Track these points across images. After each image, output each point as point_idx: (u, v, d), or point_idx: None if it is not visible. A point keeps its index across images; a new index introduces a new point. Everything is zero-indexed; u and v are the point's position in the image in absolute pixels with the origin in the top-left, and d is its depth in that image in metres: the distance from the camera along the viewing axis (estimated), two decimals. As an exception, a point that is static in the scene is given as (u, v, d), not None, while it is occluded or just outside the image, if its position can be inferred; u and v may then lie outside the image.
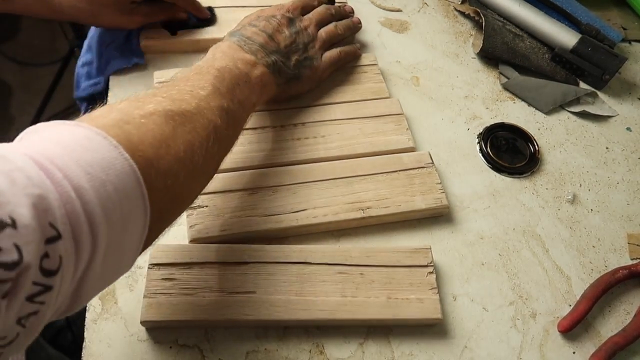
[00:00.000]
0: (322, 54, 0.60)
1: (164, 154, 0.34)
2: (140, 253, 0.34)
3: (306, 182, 0.52)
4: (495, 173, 0.59)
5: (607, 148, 0.63)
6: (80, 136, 0.29)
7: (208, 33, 0.64)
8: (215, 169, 0.43)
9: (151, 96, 0.37)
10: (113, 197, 0.29)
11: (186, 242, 0.49)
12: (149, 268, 0.46)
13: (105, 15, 0.59)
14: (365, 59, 0.64)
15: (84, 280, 0.28)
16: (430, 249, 0.49)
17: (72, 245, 0.26)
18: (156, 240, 0.37)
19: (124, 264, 0.33)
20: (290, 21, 0.57)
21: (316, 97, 0.60)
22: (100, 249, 0.28)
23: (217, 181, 0.51)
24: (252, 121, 0.56)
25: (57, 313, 0.29)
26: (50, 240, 0.25)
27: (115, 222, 0.29)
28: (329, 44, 0.61)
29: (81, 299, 0.29)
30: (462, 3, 0.75)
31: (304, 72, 0.57)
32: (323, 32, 0.61)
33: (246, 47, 0.51)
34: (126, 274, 0.47)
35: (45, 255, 0.25)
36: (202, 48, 0.60)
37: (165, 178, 0.33)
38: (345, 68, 0.63)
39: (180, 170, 0.35)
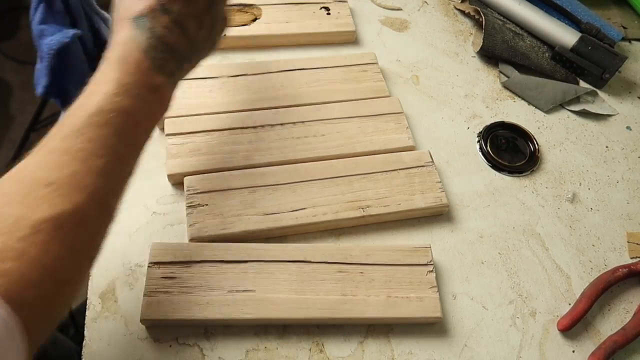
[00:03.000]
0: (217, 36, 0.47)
1: (48, 287, 0.30)
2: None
3: (306, 181, 0.52)
4: (495, 172, 0.59)
5: (607, 147, 0.63)
6: None
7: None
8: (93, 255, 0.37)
9: (43, 186, 0.32)
10: None
11: (186, 240, 0.49)
12: (148, 267, 0.46)
13: None
14: (366, 57, 0.64)
15: None
16: (430, 247, 0.49)
17: None
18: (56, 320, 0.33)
19: None
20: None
21: (316, 96, 0.60)
22: None
23: (217, 180, 0.51)
24: (252, 119, 0.56)
25: None
26: None
27: None
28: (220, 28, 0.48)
29: None
30: (462, 2, 0.75)
31: (206, 46, 0.45)
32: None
33: (157, 62, 0.39)
34: (126, 273, 0.47)
35: None
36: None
37: (42, 304, 0.30)
38: (346, 66, 0.63)
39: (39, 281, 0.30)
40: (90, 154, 0.34)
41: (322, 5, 0.69)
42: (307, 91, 0.60)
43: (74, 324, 0.84)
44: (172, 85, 0.42)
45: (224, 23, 0.47)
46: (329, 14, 0.68)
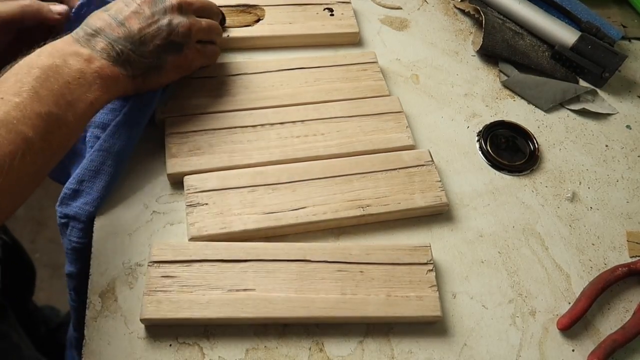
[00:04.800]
0: (194, 42, 0.52)
1: None
2: None
3: (305, 180, 0.52)
4: (494, 171, 0.59)
5: (606, 146, 0.63)
6: None
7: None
8: (34, 182, 0.39)
9: None
10: None
11: (186, 240, 0.49)
12: (148, 266, 0.46)
13: None
14: (365, 56, 0.64)
15: None
16: (429, 246, 0.49)
17: None
18: None
19: None
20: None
21: (316, 95, 0.60)
22: None
23: (217, 179, 0.51)
24: (251, 118, 0.56)
25: None
26: None
27: None
28: (206, 35, 0.54)
29: None
30: (462, 1, 0.75)
31: (167, 58, 0.50)
32: (204, 21, 0.54)
33: (83, 39, 0.45)
34: (126, 272, 0.47)
35: None
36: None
37: None
38: (345, 65, 0.63)
39: None
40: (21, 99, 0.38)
41: (325, 6, 0.68)
42: (307, 90, 0.60)
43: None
44: (105, 61, 0.45)
45: (192, 36, 0.51)
46: (332, 15, 0.68)
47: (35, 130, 0.37)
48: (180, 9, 0.50)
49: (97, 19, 0.47)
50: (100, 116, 0.52)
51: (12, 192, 0.37)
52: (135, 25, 0.47)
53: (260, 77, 0.60)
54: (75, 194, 0.51)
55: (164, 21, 0.49)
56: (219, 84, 0.59)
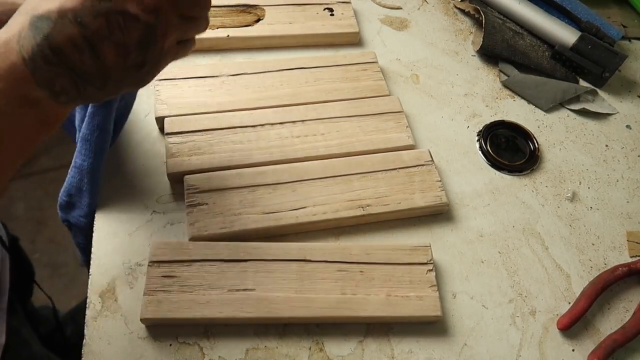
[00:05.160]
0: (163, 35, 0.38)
1: None
2: None
3: (306, 180, 0.52)
4: (495, 171, 0.59)
5: (606, 146, 0.63)
6: None
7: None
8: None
9: None
10: None
11: (186, 239, 0.49)
12: (148, 265, 0.46)
13: None
14: (365, 56, 0.64)
15: None
16: (430, 246, 0.49)
17: None
18: None
19: None
20: None
21: (316, 95, 0.60)
22: None
23: (217, 179, 0.51)
24: (251, 118, 0.56)
25: None
26: None
27: None
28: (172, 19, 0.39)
29: None
30: (462, 1, 0.75)
31: (128, 79, 0.37)
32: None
33: (40, 74, 0.33)
34: (126, 272, 0.47)
35: None
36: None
37: None
38: (345, 65, 0.63)
39: None
40: None
41: (325, 6, 0.69)
42: (307, 90, 0.60)
43: (62, 333, 0.84)
44: (61, 104, 0.35)
45: (163, 62, 0.39)
46: (332, 15, 0.68)
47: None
48: None
49: (63, 37, 0.32)
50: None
51: None
52: (114, 60, 0.35)
53: (261, 77, 0.60)
54: (68, 205, 0.51)
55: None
56: (219, 83, 0.59)
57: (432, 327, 0.47)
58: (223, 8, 0.66)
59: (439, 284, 0.48)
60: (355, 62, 0.63)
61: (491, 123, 0.62)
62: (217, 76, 0.60)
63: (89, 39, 0.33)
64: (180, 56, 0.41)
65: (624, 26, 0.77)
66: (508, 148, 0.60)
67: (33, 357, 0.70)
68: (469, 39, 0.72)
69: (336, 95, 0.60)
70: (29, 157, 0.35)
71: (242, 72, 0.60)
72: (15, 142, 0.34)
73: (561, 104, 0.66)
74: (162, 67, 0.39)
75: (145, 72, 0.37)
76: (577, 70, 0.68)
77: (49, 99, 0.34)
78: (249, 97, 0.59)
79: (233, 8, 0.67)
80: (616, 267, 0.51)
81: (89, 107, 0.49)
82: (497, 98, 0.66)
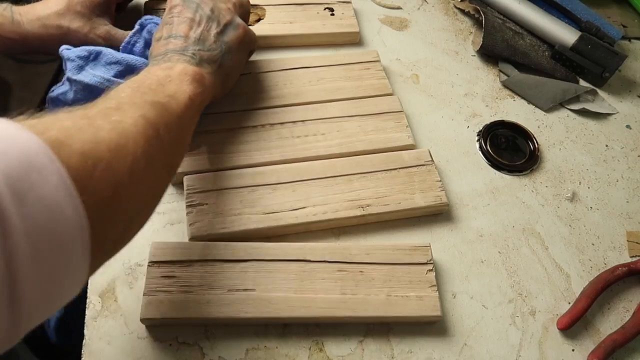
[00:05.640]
0: (239, 18, 0.55)
1: (78, 137, 0.30)
2: (97, 260, 0.30)
3: (306, 180, 0.52)
4: (494, 171, 0.59)
5: (606, 146, 0.63)
6: None
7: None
8: (160, 164, 0.39)
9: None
10: (18, 169, 0.25)
11: (186, 239, 0.49)
12: (148, 266, 0.46)
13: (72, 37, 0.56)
14: (368, 55, 0.64)
15: (13, 278, 0.25)
16: (429, 246, 0.49)
17: None
18: (118, 242, 0.34)
19: (67, 257, 0.28)
20: (184, 2, 0.53)
21: (319, 94, 0.60)
22: (14, 230, 0.24)
23: (217, 179, 0.51)
24: (251, 118, 0.56)
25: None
26: None
27: (27, 198, 0.25)
28: (240, 9, 0.57)
29: (22, 306, 0.26)
30: (462, 1, 0.75)
31: (230, 38, 0.52)
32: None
33: (155, 60, 0.48)
34: (126, 272, 0.47)
35: None
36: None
37: (84, 158, 0.30)
38: (348, 64, 0.63)
39: (103, 153, 0.31)
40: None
41: (326, 6, 0.69)
42: (309, 89, 0.60)
43: (75, 323, 0.84)
44: (184, 64, 0.47)
45: (232, 12, 0.54)
46: (332, 14, 0.68)
47: (149, 112, 0.38)
48: None
49: (156, 48, 0.50)
50: None
51: (146, 171, 0.36)
52: (187, 31, 0.51)
53: (263, 76, 0.60)
54: None
55: (206, 13, 0.52)
56: None
57: (432, 327, 0.47)
58: None
59: (438, 284, 0.48)
60: (358, 61, 0.63)
61: (491, 123, 0.62)
62: None
63: (198, 32, 0.51)
64: (252, 39, 0.57)
65: (624, 26, 0.77)
66: (508, 148, 0.60)
67: None
68: (469, 39, 0.72)
69: (339, 95, 0.60)
70: None
71: (245, 71, 0.60)
72: (172, 86, 0.44)
73: (561, 104, 0.66)
74: (240, 51, 0.54)
75: (224, 40, 0.53)
76: (577, 70, 0.68)
77: (174, 58, 0.48)
78: (250, 97, 0.59)
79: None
80: (616, 267, 0.51)
81: None
82: (497, 98, 0.66)
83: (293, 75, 0.61)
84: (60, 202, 0.27)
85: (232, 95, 0.58)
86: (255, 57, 0.64)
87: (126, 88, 0.41)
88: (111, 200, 0.32)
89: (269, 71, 0.61)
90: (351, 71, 0.62)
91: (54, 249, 0.27)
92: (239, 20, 0.54)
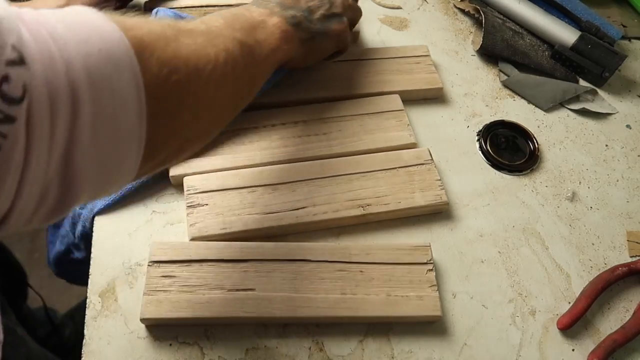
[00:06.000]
0: (347, 18, 0.58)
1: (162, 46, 0.32)
2: (144, 158, 0.31)
3: (305, 180, 0.52)
4: (494, 171, 0.59)
5: (606, 145, 0.63)
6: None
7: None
8: (228, 100, 0.41)
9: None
10: (97, 58, 0.27)
11: (186, 239, 0.49)
12: (148, 265, 0.46)
13: None
14: (418, 49, 0.65)
15: (70, 155, 0.27)
16: (429, 246, 0.49)
17: (44, 87, 0.24)
18: (167, 157, 0.35)
19: (123, 153, 0.30)
20: None
21: (370, 86, 0.60)
22: (83, 113, 0.26)
23: (217, 179, 0.51)
24: (253, 119, 0.56)
25: (46, 204, 0.27)
26: (11, 63, 0.23)
27: (101, 87, 0.27)
28: (353, 14, 0.60)
29: (73, 183, 0.28)
30: (461, 0, 0.75)
31: (331, 26, 0.54)
32: (351, 1, 0.59)
33: (259, 2, 0.50)
34: (126, 272, 0.47)
35: (5, 79, 0.23)
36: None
37: (161, 66, 0.31)
38: (398, 58, 0.63)
39: (180, 67, 0.33)
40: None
41: None
42: (360, 81, 0.61)
43: (58, 334, 0.84)
44: (282, 19, 0.49)
45: (345, 10, 0.56)
46: None
47: (234, 48, 0.39)
48: None
49: None
50: None
51: (216, 96, 0.38)
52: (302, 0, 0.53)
53: (309, 72, 0.61)
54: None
55: None
56: None
57: (432, 326, 0.47)
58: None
59: (438, 284, 0.48)
60: (410, 55, 0.64)
61: (491, 123, 0.62)
62: None
63: (309, 3, 0.53)
64: (346, 41, 0.57)
65: (624, 26, 0.76)
66: (508, 148, 0.60)
67: (31, 353, 0.70)
68: (469, 39, 0.72)
69: (390, 87, 0.61)
70: None
71: None
72: (258, 33, 0.46)
73: (561, 104, 0.66)
74: (333, 42, 0.56)
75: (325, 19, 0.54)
76: (577, 70, 0.68)
77: (263, 13, 0.48)
78: (305, 87, 0.60)
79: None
80: (616, 267, 0.51)
81: None
82: (497, 98, 0.65)
83: (347, 68, 0.62)
84: (128, 101, 0.28)
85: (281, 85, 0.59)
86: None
87: (220, 18, 0.42)
88: (173, 115, 0.33)
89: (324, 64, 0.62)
90: (401, 65, 0.63)
91: (112, 139, 0.28)
92: (345, 18, 0.56)
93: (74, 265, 0.59)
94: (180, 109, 0.34)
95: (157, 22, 0.34)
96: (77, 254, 0.58)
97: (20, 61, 0.23)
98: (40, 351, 0.74)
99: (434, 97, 0.63)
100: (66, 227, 0.59)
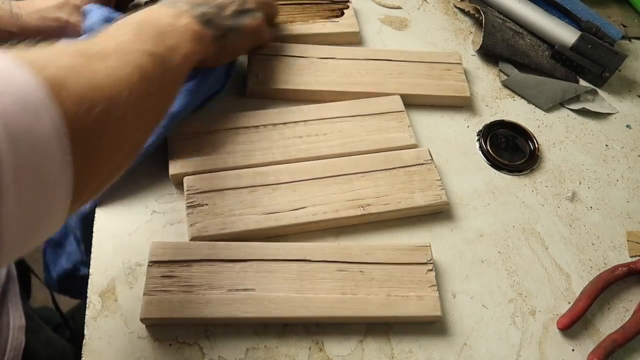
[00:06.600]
0: (263, 13, 0.57)
1: (76, 81, 0.31)
2: (74, 198, 0.31)
3: (305, 180, 0.52)
4: (494, 170, 0.59)
5: (606, 145, 0.63)
6: None
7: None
8: (150, 116, 0.40)
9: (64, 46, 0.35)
10: (14, 110, 0.26)
11: (186, 240, 0.49)
12: (148, 266, 0.46)
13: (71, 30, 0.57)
14: (451, 57, 0.64)
15: None
16: (429, 246, 0.49)
17: None
18: (98, 187, 0.35)
19: (50, 201, 0.29)
20: None
21: (398, 87, 0.61)
22: (4, 169, 0.25)
23: (217, 179, 0.51)
24: (253, 119, 0.56)
25: None
26: None
27: (21, 140, 0.26)
28: (269, 9, 0.59)
29: (1, 246, 0.27)
30: (461, 0, 0.75)
31: (244, 22, 0.54)
32: None
33: (168, 3, 0.48)
34: (126, 272, 0.47)
35: None
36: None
37: (80, 103, 0.30)
38: (430, 63, 0.63)
39: (98, 99, 0.32)
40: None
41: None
42: (390, 81, 0.61)
43: (68, 325, 0.84)
44: (191, 19, 0.48)
45: (259, 6, 0.56)
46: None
47: (146, 63, 0.38)
48: None
49: None
50: None
51: (136, 118, 0.37)
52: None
53: (348, 63, 0.62)
54: None
55: None
56: (309, 64, 0.61)
57: (432, 327, 0.47)
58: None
59: (438, 284, 0.48)
60: (441, 61, 0.64)
61: (491, 123, 0.62)
62: (306, 57, 0.62)
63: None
64: (263, 37, 0.57)
65: (624, 26, 0.76)
66: (508, 148, 0.60)
67: (49, 339, 0.71)
68: (469, 39, 0.72)
69: (417, 90, 0.61)
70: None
71: (331, 56, 0.63)
72: (167, 34, 0.44)
73: (561, 104, 0.66)
74: (247, 38, 0.55)
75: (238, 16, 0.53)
76: (577, 70, 0.68)
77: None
78: (334, 80, 0.60)
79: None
80: (616, 267, 0.51)
81: None
82: (497, 98, 0.65)
83: (375, 66, 0.62)
84: (51, 146, 0.28)
85: (317, 77, 0.60)
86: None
87: (128, 31, 0.41)
88: (98, 148, 0.32)
89: (356, 59, 0.63)
90: (433, 69, 0.63)
91: (38, 190, 0.28)
92: (260, 14, 0.56)
93: (80, 281, 0.59)
94: (103, 142, 0.33)
95: (65, 52, 0.33)
96: (85, 270, 0.58)
97: None
98: (56, 337, 0.74)
99: (460, 105, 0.63)
100: (73, 245, 0.59)
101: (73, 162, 0.29)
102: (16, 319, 0.57)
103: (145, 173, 0.54)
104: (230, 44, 0.53)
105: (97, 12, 0.55)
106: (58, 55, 0.32)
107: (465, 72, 0.64)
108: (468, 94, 0.62)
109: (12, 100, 0.26)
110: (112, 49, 0.37)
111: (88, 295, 0.47)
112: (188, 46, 0.46)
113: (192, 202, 0.50)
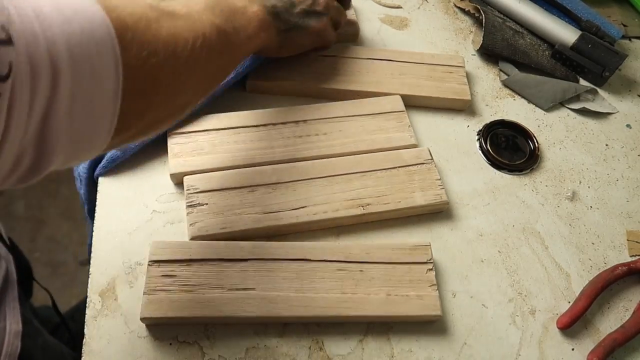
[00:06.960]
0: (328, 17, 0.59)
1: (143, 28, 0.33)
2: (116, 133, 0.33)
3: (305, 180, 0.52)
4: (494, 170, 0.59)
5: (606, 145, 0.63)
6: None
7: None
8: (201, 84, 0.43)
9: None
10: (80, 37, 0.28)
11: (186, 239, 0.49)
12: (148, 265, 0.46)
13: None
14: (454, 59, 0.64)
15: (47, 124, 0.28)
16: (429, 245, 0.49)
17: (27, 64, 0.26)
18: (136, 133, 0.37)
19: (96, 126, 0.32)
20: None
21: (399, 87, 0.61)
22: (62, 87, 0.28)
23: (217, 179, 0.51)
24: (253, 118, 0.56)
25: (21, 167, 0.29)
26: (0, 43, 0.24)
27: (81, 64, 0.29)
28: (337, 14, 0.60)
29: (47, 150, 0.29)
30: (462, 0, 0.75)
31: (310, 22, 0.56)
32: (336, 3, 0.61)
33: None
34: (126, 271, 0.47)
35: None
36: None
37: (141, 48, 0.33)
38: (432, 65, 0.63)
39: (159, 50, 0.34)
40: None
41: None
42: (391, 81, 0.61)
43: (67, 326, 0.84)
44: (262, 7, 0.50)
45: (327, 9, 0.57)
46: None
47: (211, 34, 0.41)
48: None
49: None
50: None
51: (190, 78, 0.40)
52: None
53: (349, 61, 0.62)
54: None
55: None
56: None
57: (432, 326, 0.47)
58: None
59: (438, 283, 0.48)
60: (444, 63, 0.64)
61: (491, 122, 0.62)
62: (307, 54, 0.62)
63: None
64: (326, 40, 0.59)
65: (624, 25, 0.76)
66: (508, 147, 0.60)
67: (46, 344, 0.71)
68: (469, 38, 0.72)
69: (417, 91, 0.61)
70: None
71: (332, 54, 0.63)
72: (236, 18, 0.47)
73: (561, 103, 0.66)
74: (310, 37, 0.57)
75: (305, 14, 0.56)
76: (577, 70, 0.68)
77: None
78: (335, 78, 0.61)
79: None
80: (616, 267, 0.51)
81: None
82: (497, 97, 0.65)
83: (377, 66, 0.62)
84: (106, 79, 0.30)
85: (322, 74, 0.61)
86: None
87: (203, 1, 0.43)
88: (146, 96, 0.35)
89: (357, 58, 0.63)
90: (434, 72, 0.63)
91: (87, 113, 0.30)
92: (326, 18, 0.58)
93: None
94: (154, 91, 0.36)
95: (141, 2, 0.35)
96: None
97: (8, 41, 0.25)
98: (54, 342, 0.74)
99: (461, 108, 0.63)
100: None
101: (122, 98, 0.32)
102: (12, 324, 0.57)
103: (146, 172, 0.54)
104: (292, 39, 0.55)
105: None
106: (133, 3, 0.34)
107: (466, 72, 0.64)
108: (469, 97, 0.61)
109: (79, 29, 0.29)
110: (184, 12, 0.39)
111: (88, 294, 0.47)
112: (253, 31, 0.48)
113: (192, 201, 0.50)
